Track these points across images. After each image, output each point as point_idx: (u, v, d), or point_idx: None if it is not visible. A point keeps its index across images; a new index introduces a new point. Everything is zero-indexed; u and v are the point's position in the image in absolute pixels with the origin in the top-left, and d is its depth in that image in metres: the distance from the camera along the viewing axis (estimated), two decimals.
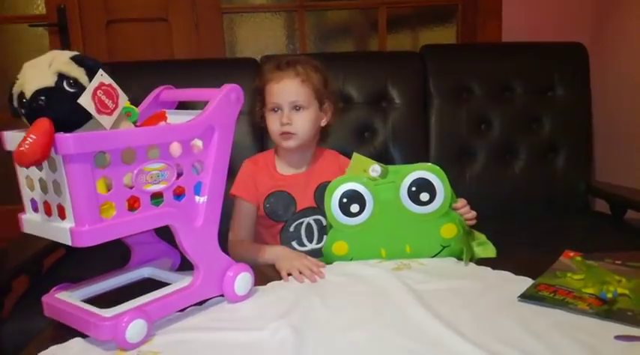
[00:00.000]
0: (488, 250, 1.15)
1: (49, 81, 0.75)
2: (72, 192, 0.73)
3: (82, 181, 0.73)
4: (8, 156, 0.76)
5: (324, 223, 1.20)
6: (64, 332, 0.83)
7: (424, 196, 1.03)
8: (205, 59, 2.09)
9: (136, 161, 0.79)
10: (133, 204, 0.80)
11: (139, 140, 0.79)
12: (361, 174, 1.06)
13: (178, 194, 0.86)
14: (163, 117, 0.95)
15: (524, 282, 0.95)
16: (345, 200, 1.04)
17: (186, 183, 0.86)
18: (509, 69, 1.90)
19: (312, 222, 1.23)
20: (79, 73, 0.77)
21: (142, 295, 0.85)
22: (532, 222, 1.74)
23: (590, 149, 1.94)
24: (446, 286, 0.96)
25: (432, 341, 0.77)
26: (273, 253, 1.13)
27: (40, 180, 0.79)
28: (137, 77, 1.70)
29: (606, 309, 0.83)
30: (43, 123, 0.71)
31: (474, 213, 1.12)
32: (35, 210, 0.82)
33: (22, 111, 0.76)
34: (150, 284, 0.92)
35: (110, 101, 0.78)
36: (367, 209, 1.04)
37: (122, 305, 0.81)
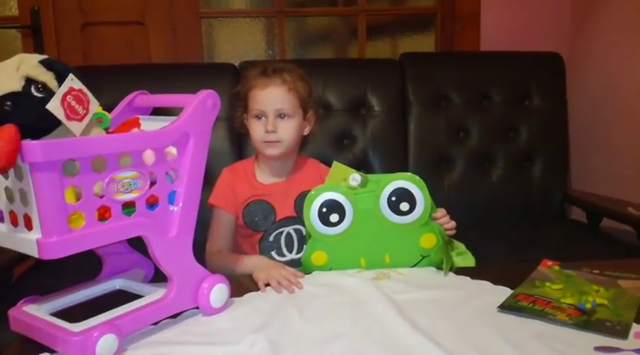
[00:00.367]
0: (468, 260, 1.15)
1: (16, 85, 0.72)
2: (39, 201, 0.70)
3: (49, 190, 0.70)
4: None
5: (305, 233, 1.18)
6: (31, 348, 0.79)
7: (404, 206, 1.02)
8: (183, 64, 2.07)
9: (107, 169, 0.76)
10: (103, 214, 0.77)
11: (110, 147, 0.76)
12: (341, 182, 1.04)
13: (151, 203, 0.83)
14: (137, 124, 0.92)
15: (503, 292, 0.94)
16: (324, 209, 1.03)
17: (159, 192, 0.83)
18: (487, 77, 1.92)
19: (292, 232, 1.21)
20: (47, 78, 0.74)
21: (113, 308, 0.82)
22: (509, 230, 1.75)
23: (566, 157, 1.97)
24: (425, 296, 0.95)
25: (411, 352, 0.76)
26: (251, 263, 1.10)
27: (6, 189, 0.76)
28: (113, 81, 1.67)
29: (585, 320, 0.83)
30: (9, 130, 0.68)
31: (453, 223, 1.11)
32: (1, 220, 0.78)
33: None
34: (122, 297, 0.89)
35: (80, 107, 0.75)
36: (347, 218, 1.03)
37: (92, 319, 0.78)
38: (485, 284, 0.98)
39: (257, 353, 0.77)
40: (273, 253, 1.21)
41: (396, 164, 1.82)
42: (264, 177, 1.24)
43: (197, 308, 0.89)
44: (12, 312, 0.84)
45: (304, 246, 1.13)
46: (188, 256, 0.88)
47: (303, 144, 1.29)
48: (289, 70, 1.21)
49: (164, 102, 1.03)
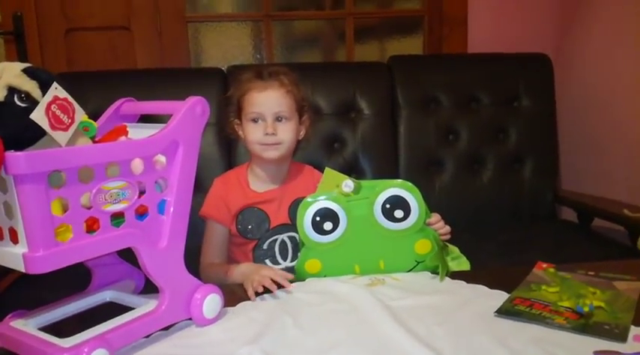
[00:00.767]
0: (463, 264, 1.14)
1: None
2: (24, 214, 0.68)
3: (35, 203, 0.68)
4: None
5: (299, 240, 1.17)
6: None
7: (398, 213, 1.01)
8: (170, 69, 2.04)
9: (94, 179, 0.74)
10: (91, 226, 0.75)
11: (97, 157, 0.74)
12: (333, 189, 1.03)
13: (141, 213, 0.81)
14: (124, 132, 0.90)
15: (500, 296, 0.94)
16: (317, 218, 1.01)
17: (149, 202, 0.81)
18: (476, 80, 1.92)
19: (287, 240, 1.20)
20: (31, 87, 0.72)
21: (103, 321, 0.79)
22: (500, 232, 1.75)
23: (555, 158, 1.97)
24: (421, 302, 0.93)
25: None
26: (239, 272, 1.08)
27: None
28: (98, 88, 1.64)
29: (583, 323, 0.82)
30: None
31: (448, 228, 1.10)
32: None
33: None
34: (112, 309, 0.87)
35: (65, 116, 0.73)
36: (340, 226, 1.02)
37: (82, 333, 0.76)
38: (481, 289, 0.98)
39: None
40: (267, 261, 1.19)
41: (387, 167, 1.82)
42: (257, 184, 1.22)
43: (190, 319, 0.87)
44: None
45: (298, 254, 1.11)
46: (179, 266, 0.86)
47: (296, 149, 1.27)
48: (285, 73, 1.20)
49: (152, 110, 1.01)
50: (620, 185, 1.88)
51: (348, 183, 1.03)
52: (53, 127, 0.72)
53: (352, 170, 1.78)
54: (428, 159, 1.86)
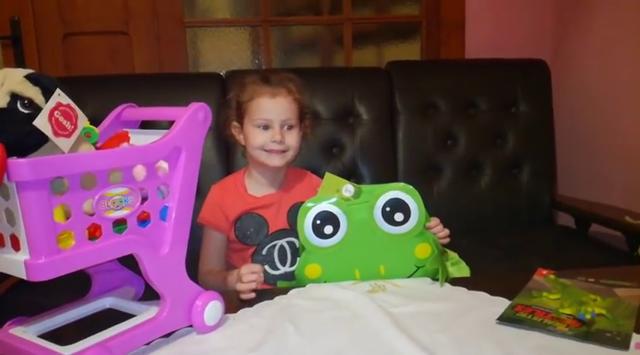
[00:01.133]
0: (463, 269, 1.14)
1: (1, 102, 0.69)
2: (26, 221, 0.67)
3: (37, 209, 0.67)
4: None
5: (298, 245, 1.17)
6: None
7: (398, 216, 1.01)
8: (168, 74, 2.04)
9: (96, 186, 0.73)
10: (93, 233, 0.74)
11: (99, 164, 0.74)
12: (334, 194, 1.03)
13: (143, 219, 0.81)
14: (126, 138, 0.90)
15: (501, 303, 0.93)
16: (318, 222, 1.01)
17: (151, 208, 0.81)
18: (474, 85, 1.92)
19: (285, 245, 1.19)
20: (34, 93, 0.71)
21: (104, 328, 0.79)
22: (499, 237, 1.75)
23: (553, 163, 1.98)
24: (422, 309, 0.93)
25: None
26: (233, 278, 1.08)
27: None
28: (96, 93, 1.64)
29: (585, 331, 0.82)
30: None
31: (446, 231, 1.10)
32: None
33: None
34: (112, 316, 0.86)
35: (68, 122, 0.73)
36: (341, 230, 1.02)
37: (83, 341, 0.75)
38: (482, 295, 0.97)
39: None
40: (266, 267, 1.19)
41: (385, 172, 1.82)
42: (255, 189, 1.22)
43: (190, 326, 0.87)
44: None
45: (297, 259, 1.11)
46: (181, 273, 0.85)
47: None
48: (291, 80, 1.20)
49: (153, 116, 1.01)
50: (617, 190, 1.89)
51: (348, 188, 1.03)
52: (56, 134, 0.71)
53: (351, 175, 1.79)
54: (426, 164, 1.87)
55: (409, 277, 1.05)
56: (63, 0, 2.05)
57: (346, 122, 1.83)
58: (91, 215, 0.73)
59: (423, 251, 1.04)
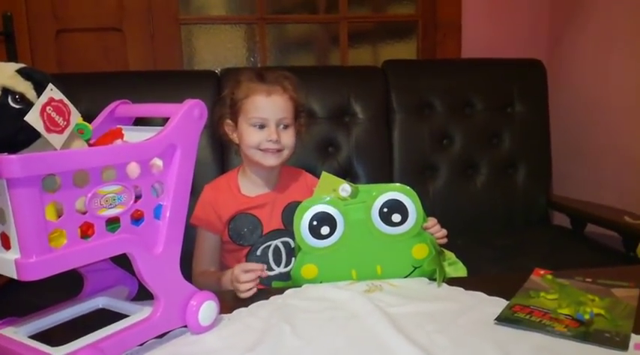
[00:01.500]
0: (460, 269, 1.13)
1: None
2: (17, 219, 0.66)
3: (28, 207, 0.66)
4: None
5: (293, 245, 1.15)
6: None
7: (396, 217, 1.00)
8: (163, 71, 2.02)
9: (89, 183, 0.72)
10: (86, 231, 0.73)
11: (92, 161, 0.72)
12: (330, 193, 1.02)
13: (136, 218, 0.80)
14: (119, 135, 0.88)
15: (498, 303, 0.93)
16: (315, 222, 1.00)
17: (145, 207, 0.79)
18: (470, 85, 1.92)
19: (280, 245, 1.18)
20: (25, 88, 0.70)
21: (96, 329, 0.77)
22: (495, 237, 1.75)
23: (549, 163, 1.97)
24: (420, 309, 0.92)
25: None
26: (227, 280, 1.07)
27: None
28: (89, 90, 1.62)
29: (583, 331, 0.82)
30: None
31: (444, 232, 1.09)
32: None
33: None
34: (105, 316, 0.85)
35: (61, 118, 0.72)
36: (338, 230, 1.01)
37: (75, 341, 0.74)
38: (480, 295, 0.97)
39: None
40: None
41: (381, 171, 1.81)
42: (249, 189, 1.21)
43: (185, 326, 0.85)
44: None
45: (292, 259, 1.10)
46: (175, 273, 0.84)
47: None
48: (287, 78, 1.19)
49: (148, 112, 0.99)
50: (612, 190, 1.89)
51: (345, 188, 1.02)
52: (48, 130, 0.70)
53: (346, 174, 1.78)
54: (422, 163, 1.86)
55: (406, 277, 1.04)
56: None
57: (342, 121, 1.82)
58: (84, 213, 0.72)
59: (421, 251, 1.04)
